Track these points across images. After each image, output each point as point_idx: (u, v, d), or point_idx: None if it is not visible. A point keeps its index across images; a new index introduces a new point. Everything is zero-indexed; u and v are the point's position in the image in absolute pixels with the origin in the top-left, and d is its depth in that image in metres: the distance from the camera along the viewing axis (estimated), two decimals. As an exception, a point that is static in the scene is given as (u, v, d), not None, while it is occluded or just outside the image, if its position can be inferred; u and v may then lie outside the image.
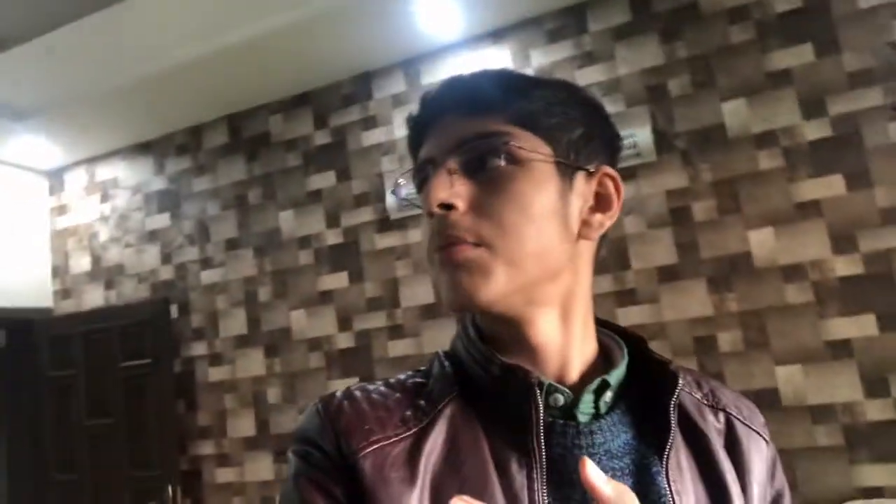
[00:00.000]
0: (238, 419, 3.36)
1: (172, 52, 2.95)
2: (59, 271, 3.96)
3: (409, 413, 0.58)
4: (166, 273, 3.62)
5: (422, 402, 0.59)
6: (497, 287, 0.55)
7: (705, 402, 0.65)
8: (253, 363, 3.36)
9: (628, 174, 2.66)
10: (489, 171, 0.57)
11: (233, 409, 3.38)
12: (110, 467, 3.51)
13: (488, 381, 0.59)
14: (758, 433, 0.64)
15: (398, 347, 3.05)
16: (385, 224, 3.13)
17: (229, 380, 3.40)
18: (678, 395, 0.59)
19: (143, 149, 3.78)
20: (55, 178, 4.05)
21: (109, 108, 3.36)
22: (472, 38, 3.00)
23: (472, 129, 0.58)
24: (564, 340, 0.60)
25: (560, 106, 0.61)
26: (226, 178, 3.52)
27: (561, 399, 0.57)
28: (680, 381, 0.59)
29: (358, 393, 0.60)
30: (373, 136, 3.19)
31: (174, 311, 3.54)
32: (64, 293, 3.93)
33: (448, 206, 0.56)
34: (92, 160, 3.92)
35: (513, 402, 0.56)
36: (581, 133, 0.60)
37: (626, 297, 2.67)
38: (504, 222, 0.55)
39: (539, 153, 0.57)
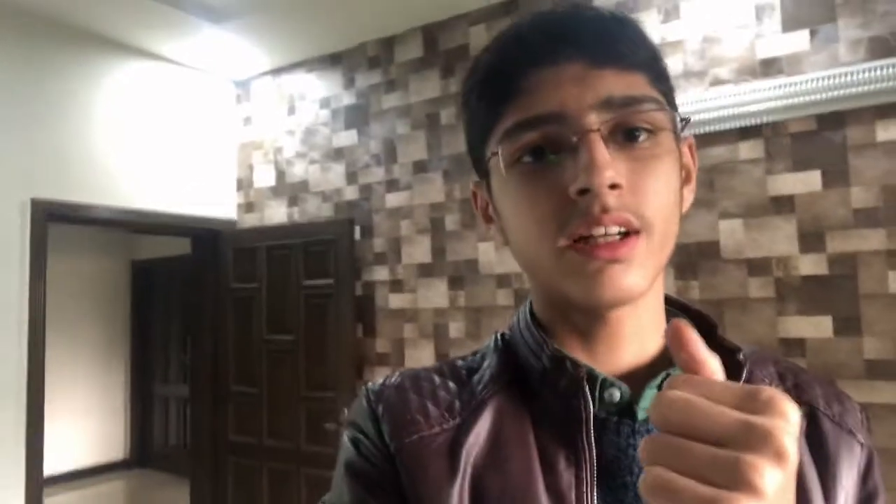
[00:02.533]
0: (417, 349, 3.24)
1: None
2: (243, 184, 3.97)
3: (455, 402, 0.56)
4: (351, 193, 3.50)
5: (470, 390, 0.57)
6: (649, 279, 0.51)
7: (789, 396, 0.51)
8: (435, 294, 3.20)
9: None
10: (637, 146, 0.50)
11: (412, 339, 3.26)
12: (288, 385, 3.53)
13: (539, 372, 0.56)
14: (850, 433, 0.56)
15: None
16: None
17: (410, 308, 3.27)
18: None
19: (333, 60, 3.62)
20: (243, 86, 4.00)
21: (302, 13, 3.19)
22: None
23: (621, 88, 0.50)
24: (639, 328, 0.55)
25: (663, 62, 0.55)
26: (417, 95, 3.29)
27: (617, 395, 0.53)
28: (744, 374, 0.53)
29: (406, 381, 0.59)
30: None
31: (357, 232, 3.43)
32: (248, 206, 3.94)
33: (614, 186, 0.48)
34: (280, 70, 3.82)
35: (563, 395, 0.53)
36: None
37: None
38: (662, 206, 0.50)
39: (671, 124, 0.52)
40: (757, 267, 2.42)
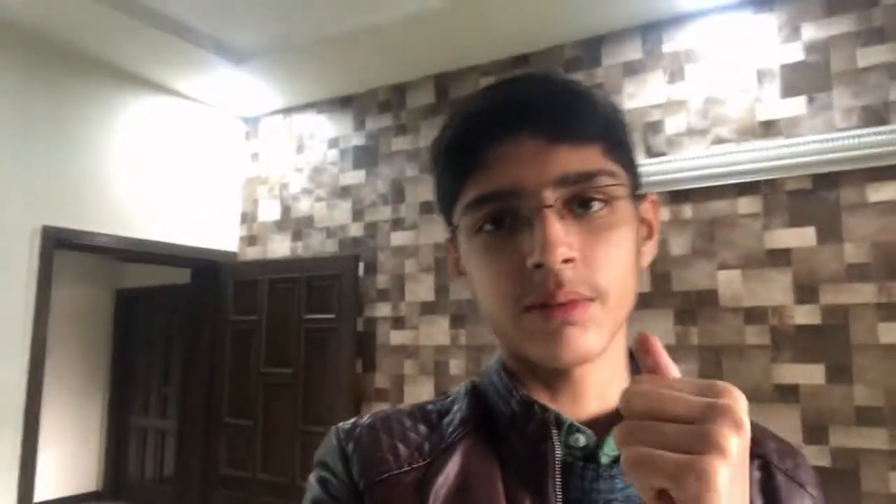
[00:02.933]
0: (416, 386, 3.28)
1: (389, 7, 2.84)
2: (247, 217, 4.02)
3: (425, 444, 0.57)
4: (356, 230, 3.58)
5: (440, 433, 0.58)
6: (606, 339, 0.53)
7: None
8: (437, 331, 3.26)
9: None
10: (592, 215, 0.52)
11: (412, 376, 3.31)
12: (283, 418, 3.54)
13: (508, 416, 0.57)
14: (801, 486, 0.58)
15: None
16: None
17: (412, 345, 3.33)
18: None
19: (343, 103, 3.74)
20: (252, 124, 4.09)
21: (317, 57, 3.31)
22: (731, 3, 2.69)
23: (575, 163, 0.52)
24: (601, 381, 0.57)
25: (626, 128, 0.58)
26: (427, 140, 3.41)
27: (582, 440, 0.54)
28: None
29: (377, 422, 0.60)
30: (595, 107, 2.98)
31: (361, 268, 3.50)
32: (250, 239, 3.98)
33: (568, 261, 0.50)
34: (290, 110, 3.92)
35: (530, 440, 0.55)
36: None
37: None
38: (616, 274, 0.52)
39: (627, 191, 0.55)
40: (753, 315, 2.55)
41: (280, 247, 3.86)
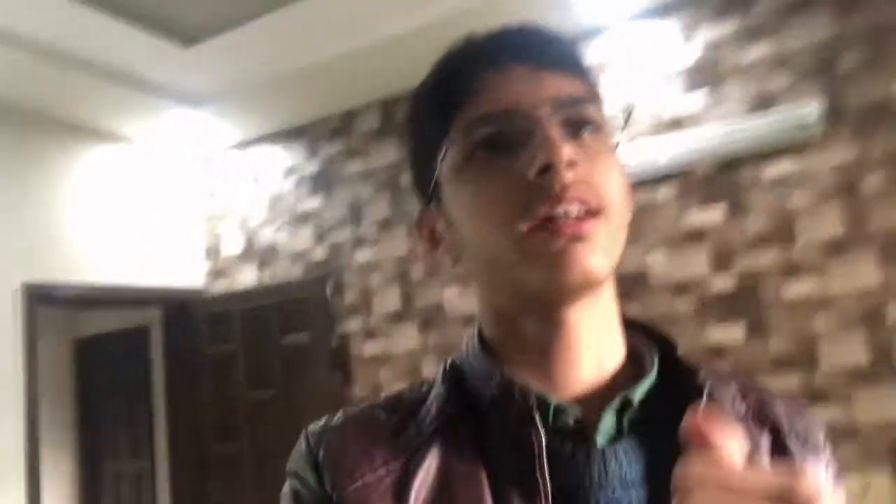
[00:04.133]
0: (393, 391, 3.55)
1: (332, 43, 3.13)
2: (211, 252, 4.21)
3: (400, 439, 0.53)
4: (320, 253, 3.83)
5: (416, 427, 0.54)
6: (611, 261, 0.51)
7: (750, 416, 0.56)
8: (407, 338, 3.55)
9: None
10: (584, 138, 0.52)
11: (387, 381, 3.58)
12: (271, 437, 3.75)
13: (488, 400, 0.53)
14: (815, 450, 0.57)
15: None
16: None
17: (384, 354, 3.60)
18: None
19: (297, 132, 3.98)
20: (207, 161, 4.28)
21: (269, 92, 3.56)
22: (634, 14, 3.08)
23: (568, 88, 0.53)
24: (596, 334, 0.54)
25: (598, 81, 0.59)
26: (378, 161, 3.70)
27: (571, 421, 0.50)
28: (704, 396, 0.51)
29: (348, 421, 0.56)
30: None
31: (329, 287, 3.75)
32: (216, 273, 4.18)
33: (572, 163, 0.49)
34: (245, 143, 4.14)
35: (513, 426, 0.50)
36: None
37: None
38: (616, 190, 0.52)
39: (609, 123, 0.55)
40: (680, 288, 2.92)
41: (247, 277, 4.07)
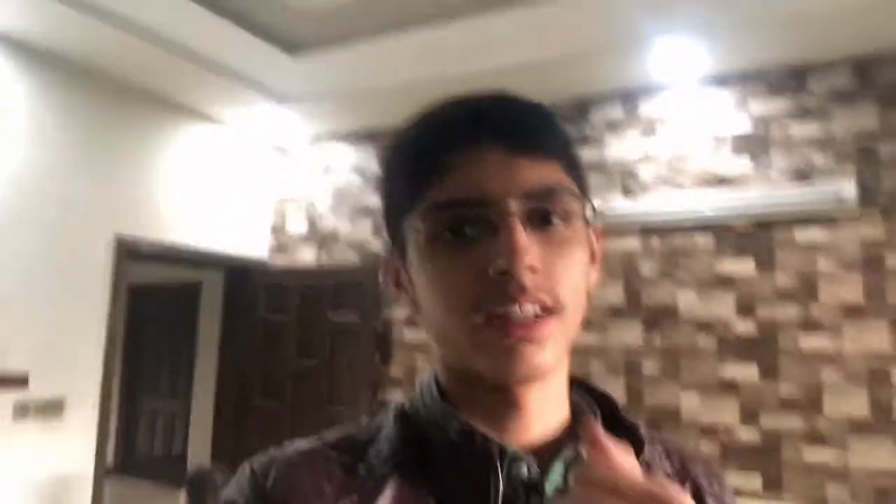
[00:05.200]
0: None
1: (412, 71, 3.46)
2: (276, 230, 4.59)
3: (350, 480, 0.53)
4: (377, 245, 4.19)
5: (366, 467, 0.54)
6: (559, 356, 0.53)
7: (675, 473, 0.61)
8: (447, 332, 3.88)
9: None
10: (551, 230, 0.52)
11: (423, 368, 3.93)
12: (310, 401, 4.13)
13: (445, 446, 0.53)
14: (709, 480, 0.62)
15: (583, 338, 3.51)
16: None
17: (422, 342, 3.95)
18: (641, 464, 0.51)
19: (367, 136, 4.33)
20: (286, 150, 4.66)
21: (346, 99, 3.91)
22: (698, 79, 3.38)
23: (538, 176, 0.52)
24: (545, 405, 0.55)
25: (578, 151, 0.58)
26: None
27: (525, 470, 0.52)
28: (645, 451, 0.55)
29: (296, 456, 0.55)
30: (583, 155, 3.64)
31: (381, 276, 4.10)
32: (279, 248, 4.56)
33: (532, 270, 0.50)
34: (320, 139, 4.50)
35: (469, 472, 0.51)
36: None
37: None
38: (573, 288, 0.52)
39: (583, 211, 0.55)
40: (704, 326, 3.23)
41: (307, 256, 4.44)
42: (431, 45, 3.36)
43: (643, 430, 0.57)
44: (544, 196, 0.52)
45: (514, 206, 0.50)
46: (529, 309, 0.50)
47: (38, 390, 3.16)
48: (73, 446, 3.36)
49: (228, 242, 4.30)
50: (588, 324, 3.47)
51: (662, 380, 3.29)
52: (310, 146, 4.57)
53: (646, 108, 3.51)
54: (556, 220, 0.52)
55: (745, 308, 3.16)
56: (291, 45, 3.46)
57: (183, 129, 4.05)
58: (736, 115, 3.29)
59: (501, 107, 0.55)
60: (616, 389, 3.34)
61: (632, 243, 3.44)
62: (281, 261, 4.54)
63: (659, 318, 3.34)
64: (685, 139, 3.39)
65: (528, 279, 0.49)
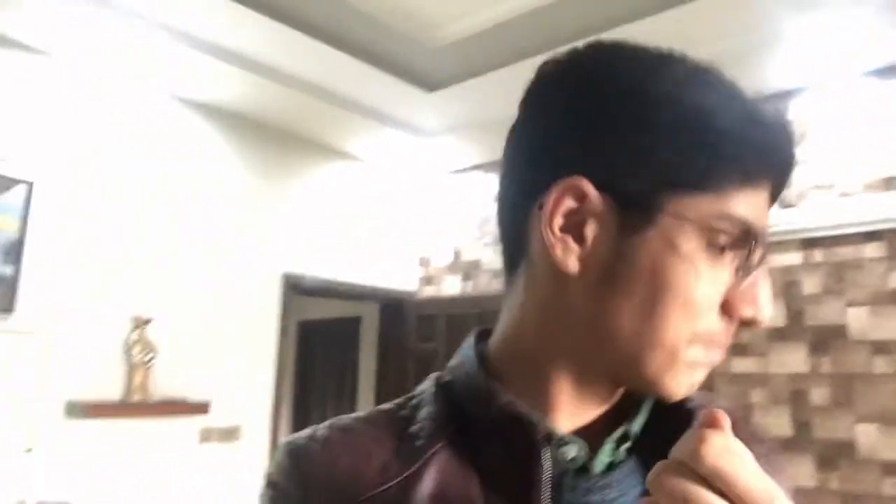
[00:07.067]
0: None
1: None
2: (424, 262, 4.80)
3: (393, 460, 0.51)
4: (519, 272, 4.23)
5: (408, 445, 0.52)
6: None
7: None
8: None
9: None
10: None
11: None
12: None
13: (488, 425, 0.51)
14: (777, 459, 0.61)
15: (741, 365, 3.27)
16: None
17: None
18: None
19: (506, 165, 4.43)
20: (429, 182, 4.87)
21: (480, 130, 4.03)
22: (861, 72, 3.09)
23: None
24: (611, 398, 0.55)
25: None
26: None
27: (572, 452, 0.50)
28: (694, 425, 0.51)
29: (335, 434, 0.54)
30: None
31: (524, 305, 4.12)
32: (427, 280, 4.75)
33: None
34: (461, 171, 4.68)
35: (515, 453, 0.50)
36: None
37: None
38: None
39: None
40: (881, 347, 2.88)
41: (452, 286, 4.58)
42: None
43: (692, 403, 0.53)
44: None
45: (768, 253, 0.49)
46: (718, 357, 0.50)
47: (217, 417, 3.54)
48: (249, 467, 3.71)
49: (381, 276, 4.56)
50: (745, 349, 3.24)
51: (833, 410, 2.97)
52: (452, 178, 4.75)
53: (799, 109, 3.25)
54: None
55: (931, 325, 2.78)
56: (428, 81, 3.66)
57: (333, 169, 4.38)
58: (905, 107, 2.95)
59: (794, 154, 0.50)
60: (781, 420, 3.07)
61: (792, 258, 3.17)
62: (429, 292, 4.72)
63: (826, 339, 3.03)
64: (845, 139, 3.09)
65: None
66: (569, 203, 0.48)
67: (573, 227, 0.49)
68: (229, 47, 3.19)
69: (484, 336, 0.62)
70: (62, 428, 2.96)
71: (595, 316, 0.49)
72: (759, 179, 0.48)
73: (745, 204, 0.47)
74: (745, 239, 0.47)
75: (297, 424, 7.42)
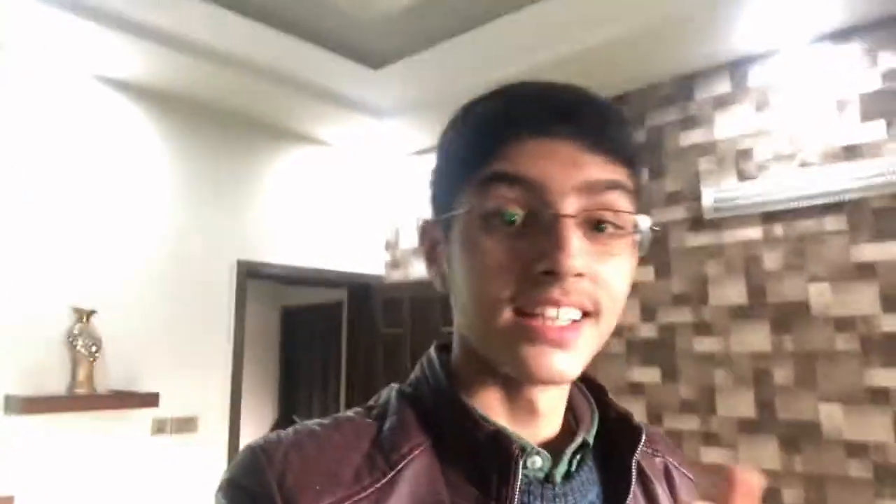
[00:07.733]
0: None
1: (496, 70, 3.33)
2: (389, 245, 4.69)
3: (363, 467, 0.51)
4: (483, 253, 4.11)
5: (379, 455, 0.52)
6: (584, 365, 0.52)
7: (648, 450, 0.65)
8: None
9: None
10: (603, 237, 0.51)
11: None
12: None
13: (463, 440, 0.53)
14: (685, 475, 0.67)
15: (703, 344, 3.14)
16: (698, 223, 3.22)
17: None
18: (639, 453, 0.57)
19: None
20: (392, 165, 4.76)
21: (445, 110, 3.86)
22: (812, 38, 2.92)
23: (602, 173, 0.51)
24: (559, 401, 0.58)
25: (640, 166, 0.57)
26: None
27: (539, 462, 0.53)
28: (642, 438, 0.57)
29: (306, 439, 0.53)
30: (691, 137, 3.29)
31: (488, 287, 4.01)
32: (393, 264, 4.65)
33: (579, 275, 0.49)
34: (423, 151, 4.54)
35: (487, 465, 0.51)
36: None
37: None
38: (616, 297, 0.52)
39: (635, 220, 0.53)
40: (843, 324, 2.75)
41: (419, 270, 4.47)
42: (519, 30, 3.21)
43: (636, 420, 0.58)
44: (607, 189, 0.51)
45: (573, 203, 0.50)
46: (566, 313, 0.49)
47: (171, 408, 3.47)
48: (207, 457, 3.64)
49: (348, 261, 4.46)
50: (708, 328, 3.11)
51: (797, 390, 2.84)
52: (413, 159, 4.61)
53: (757, 78, 3.09)
54: (609, 227, 0.52)
55: (893, 301, 2.64)
56: (372, 58, 3.52)
57: (291, 153, 4.26)
58: (863, 72, 2.78)
59: (584, 103, 0.54)
60: (745, 402, 2.95)
61: (752, 233, 3.03)
62: (396, 276, 4.62)
63: (788, 316, 2.90)
64: (805, 108, 2.93)
65: (573, 283, 0.49)
66: (426, 237, 0.61)
67: (432, 253, 0.60)
68: (167, 29, 3.07)
69: (445, 349, 0.64)
70: (1, 424, 2.91)
71: (457, 322, 0.58)
72: (507, 141, 0.52)
73: (511, 162, 0.51)
74: (531, 194, 0.50)
75: (283, 409, 7.39)
